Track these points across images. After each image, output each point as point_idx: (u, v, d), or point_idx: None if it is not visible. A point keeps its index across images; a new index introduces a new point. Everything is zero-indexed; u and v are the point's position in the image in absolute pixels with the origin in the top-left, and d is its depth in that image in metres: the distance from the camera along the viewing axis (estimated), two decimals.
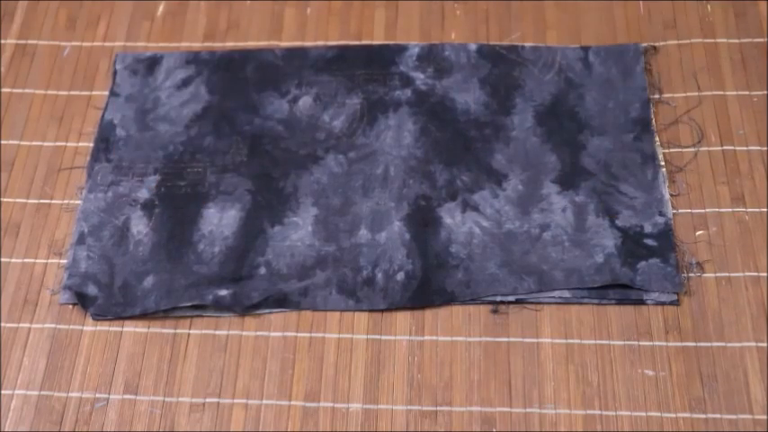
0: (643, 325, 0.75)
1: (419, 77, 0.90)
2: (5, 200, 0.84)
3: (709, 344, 0.74)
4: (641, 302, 0.76)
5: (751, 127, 0.85)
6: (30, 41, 0.94)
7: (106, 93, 0.90)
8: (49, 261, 0.80)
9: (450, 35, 0.93)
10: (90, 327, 0.77)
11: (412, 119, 0.87)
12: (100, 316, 0.77)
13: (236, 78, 0.91)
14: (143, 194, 0.83)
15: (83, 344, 0.76)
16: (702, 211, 0.81)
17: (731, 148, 0.84)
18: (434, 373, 0.74)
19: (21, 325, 0.77)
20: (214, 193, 0.83)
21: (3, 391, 0.74)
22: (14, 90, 0.91)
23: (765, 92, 0.87)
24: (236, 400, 0.74)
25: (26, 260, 0.80)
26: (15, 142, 0.87)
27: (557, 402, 0.72)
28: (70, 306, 0.78)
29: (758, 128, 0.85)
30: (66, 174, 0.85)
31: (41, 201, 0.84)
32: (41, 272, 0.80)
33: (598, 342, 0.75)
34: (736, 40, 0.90)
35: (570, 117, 0.87)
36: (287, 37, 0.94)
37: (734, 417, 0.71)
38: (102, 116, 0.88)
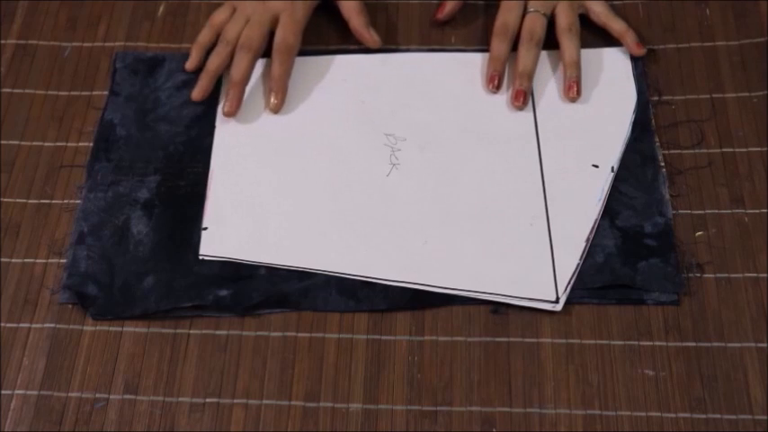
0: (643, 325, 0.75)
1: None
2: (5, 200, 0.84)
3: (709, 344, 0.74)
4: (641, 302, 0.76)
5: (750, 128, 0.85)
6: (30, 42, 0.94)
7: (106, 92, 0.90)
8: (49, 261, 0.80)
9: (450, 39, 0.93)
10: (90, 327, 0.77)
11: None
12: (100, 316, 0.77)
13: None
14: (143, 194, 0.83)
15: (83, 343, 0.76)
16: (702, 212, 0.81)
17: (730, 150, 0.84)
18: (434, 373, 0.74)
19: (20, 325, 0.77)
20: None
21: (2, 391, 0.74)
22: (15, 90, 0.90)
23: (765, 92, 0.87)
24: (236, 401, 0.73)
25: (26, 260, 0.80)
26: (16, 142, 0.87)
27: (557, 402, 0.72)
28: (70, 306, 0.78)
29: (758, 129, 0.85)
30: (67, 173, 0.85)
31: (42, 201, 0.84)
32: (41, 272, 0.80)
33: (598, 342, 0.75)
34: (736, 42, 0.90)
35: None
36: None
37: (734, 417, 0.71)
38: (102, 115, 0.88)
